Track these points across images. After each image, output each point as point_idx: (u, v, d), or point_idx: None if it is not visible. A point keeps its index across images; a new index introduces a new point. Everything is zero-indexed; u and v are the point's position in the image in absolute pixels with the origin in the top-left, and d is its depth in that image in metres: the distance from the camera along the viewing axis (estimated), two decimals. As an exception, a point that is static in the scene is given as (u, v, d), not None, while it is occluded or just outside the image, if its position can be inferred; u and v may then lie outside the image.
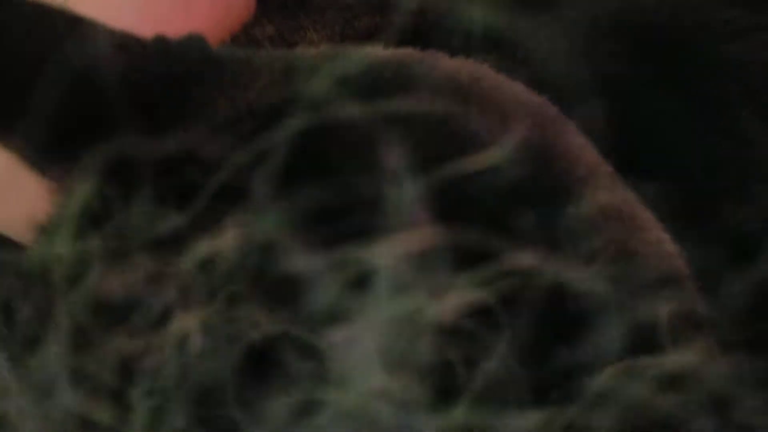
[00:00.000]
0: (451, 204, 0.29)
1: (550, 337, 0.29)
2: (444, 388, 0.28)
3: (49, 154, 0.35)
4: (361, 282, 0.27)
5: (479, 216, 0.30)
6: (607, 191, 0.33)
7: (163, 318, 0.29)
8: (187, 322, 0.28)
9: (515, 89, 0.37)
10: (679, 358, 0.29)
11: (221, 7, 0.59)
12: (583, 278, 0.29)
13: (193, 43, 0.37)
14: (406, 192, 0.28)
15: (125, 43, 0.36)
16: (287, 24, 0.56)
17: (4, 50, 0.34)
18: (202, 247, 0.29)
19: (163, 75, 0.35)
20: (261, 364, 0.28)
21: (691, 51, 0.47)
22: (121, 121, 0.33)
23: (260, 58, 0.37)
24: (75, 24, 0.35)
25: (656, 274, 0.32)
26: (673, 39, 0.47)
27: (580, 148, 0.35)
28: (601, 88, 0.45)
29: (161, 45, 0.36)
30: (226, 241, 0.29)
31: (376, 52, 0.38)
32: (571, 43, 0.45)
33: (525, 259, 0.28)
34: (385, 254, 0.27)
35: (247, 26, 0.59)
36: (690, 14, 0.48)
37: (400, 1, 0.52)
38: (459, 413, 0.27)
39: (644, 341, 0.29)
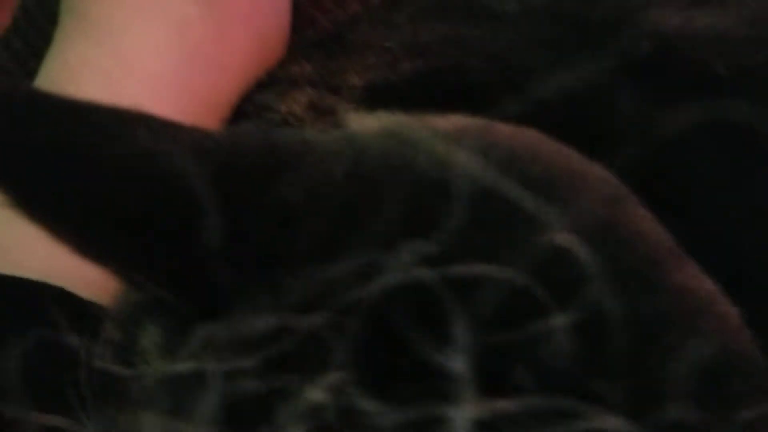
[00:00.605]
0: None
1: None
2: None
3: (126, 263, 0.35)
4: None
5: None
6: (678, 272, 0.34)
7: None
8: None
9: (573, 158, 0.37)
10: None
11: (255, 40, 0.59)
12: None
13: (258, 134, 0.37)
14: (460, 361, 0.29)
15: (199, 142, 0.35)
16: (326, 64, 0.56)
17: (82, 157, 0.34)
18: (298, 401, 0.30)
19: (241, 173, 0.35)
20: None
21: (724, 87, 0.47)
22: (202, 226, 0.33)
23: (323, 143, 0.37)
24: (152, 126, 0.35)
25: (728, 355, 0.33)
26: (703, 75, 0.47)
27: (646, 222, 0.35)
28: (634, 129, 0.45)
29: (233, 139, 0.36)
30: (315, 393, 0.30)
31: (437, 124, 0.38)
32: (605, 84, 0.46)
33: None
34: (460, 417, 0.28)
35: (283, 63, 0.60)
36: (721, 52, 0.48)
37: (440, 47, 0.53)
38: None
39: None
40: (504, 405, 0.28)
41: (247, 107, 0.58)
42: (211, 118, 0.56)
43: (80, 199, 0.33)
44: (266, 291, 0.32)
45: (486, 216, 0.33)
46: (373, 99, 0.51)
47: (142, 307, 0.38)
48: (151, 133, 0.34)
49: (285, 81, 0.57)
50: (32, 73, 0.63)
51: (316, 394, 0.30)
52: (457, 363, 0.29)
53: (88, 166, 0.33)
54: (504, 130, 0.38)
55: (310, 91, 0.55)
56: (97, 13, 0.55)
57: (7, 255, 0.49)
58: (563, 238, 0.32)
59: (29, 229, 0.49)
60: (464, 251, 0.31)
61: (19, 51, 0.65)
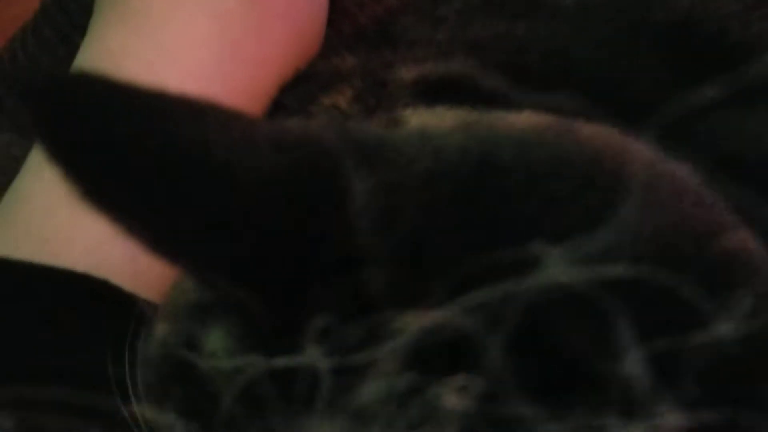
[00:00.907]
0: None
1: None
2: None
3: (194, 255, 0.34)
4: None
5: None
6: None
7: None
8: None
9: (651, 155, 0.36)
10: None
11: (293, 33, 0.58)
12: None
13: (333, 129, 0.35)
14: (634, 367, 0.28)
15: (275, 136, 0.34)
16: (370, 57, 0.55)
17: (169, 152, 0.32)
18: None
19: (318, 170, 0.33)
20: None
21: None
22: (280, 224, 0.32)
23: (398, 139, 0.36)
24: (229, 121, 0.33)
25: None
26: None
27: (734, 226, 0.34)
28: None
29: (306, 134, 0.35)
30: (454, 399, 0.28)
31: (516, 122, 0.37)
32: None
33: None
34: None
35: (324, 56, 0.58)
36: None
37: (495, 42, 0.51)
38: None
39: None
40: (676, 419, 0.27)
41: (286, 100, 0.57)
42: (253, 110, 0.55)
43: (168, 197, 0.32)
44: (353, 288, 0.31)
45: (654, 213, 0.32)
46: (425, 93, 0.49)
47: (203, 308, 0.37)
48: (240, 127, 0.33)
49: (327, 74, 0.56)
50: (63, 59, 0.62)
51: (456, 397, 0.28)
52: (628, 371, 0.28)
53: (177, 161, 0.32)
54: (585, 128, 0.37)
55: (356, 83, 0.53)
56: (138, 3, 0.54)
57: (45, 245, 0.47)
58: (736, 238, 0.31)
59: (69, 220, 0.48)
60: (622, 251, 0.30)
61: (49, 38, 0.64)
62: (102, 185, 0.31)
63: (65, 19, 0.63)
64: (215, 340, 0.35)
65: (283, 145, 0.33)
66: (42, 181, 0.50)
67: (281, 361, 0.30)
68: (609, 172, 0.33)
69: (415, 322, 0.29)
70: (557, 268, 0.29)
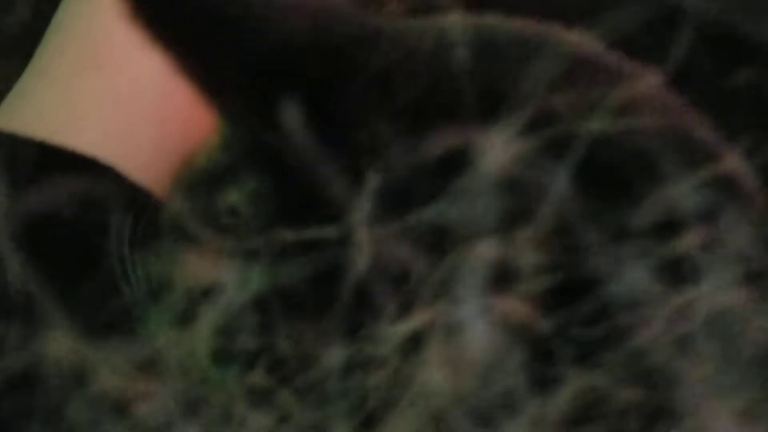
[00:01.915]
0: None
1: None
2: None
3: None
4: None
5: None
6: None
7: None
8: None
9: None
10: None
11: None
12: None
13: (348, 10, 0.40)
14: None
15: (297, 5, 0.38)
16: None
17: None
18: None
19: (338, 36, 0.38)
20: None
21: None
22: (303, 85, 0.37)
23: (404, 22, 0.40)
24: None
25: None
26: None
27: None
28: None
29: (324, 7, 0.39)
30: None
31: (509, 22, 0.41)
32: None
33: None
34: None
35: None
36: None
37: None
38: None
39: None
40: None
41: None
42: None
43: (217, 38, 0.37)
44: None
45: None
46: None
47: (216, 173, 0.40)
48: None
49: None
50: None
51: None
52: None
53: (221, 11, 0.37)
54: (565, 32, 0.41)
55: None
56: None
57: (54, 135, 0.50)
58: None
59: (78, 110, 0.51)
60: None
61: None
62: (165, 21, 0.37)
63: None
64: (236, 196, 0.38)
65: (304, 12, 0.37)
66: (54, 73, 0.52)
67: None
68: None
69: None
70: None
